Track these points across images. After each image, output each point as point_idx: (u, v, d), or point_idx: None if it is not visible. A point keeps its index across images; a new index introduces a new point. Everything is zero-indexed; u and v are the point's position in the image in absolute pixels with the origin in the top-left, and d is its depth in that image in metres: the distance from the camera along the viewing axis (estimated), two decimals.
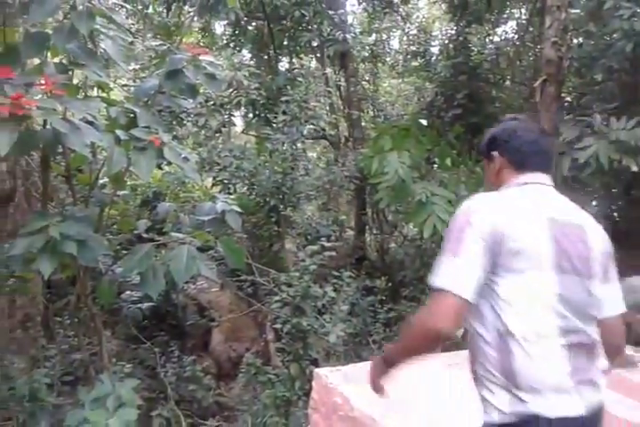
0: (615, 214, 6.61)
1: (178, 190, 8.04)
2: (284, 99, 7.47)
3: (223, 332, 7.36)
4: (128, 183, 7.25)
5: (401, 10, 11.65)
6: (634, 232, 6.02)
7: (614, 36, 5.48)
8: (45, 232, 2.50)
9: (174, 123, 7.35)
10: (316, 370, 3.22)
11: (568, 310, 1.41)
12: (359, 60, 11.26)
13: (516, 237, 1.41)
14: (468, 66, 9.26)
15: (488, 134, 1.76)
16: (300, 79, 8.21)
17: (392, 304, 6.89)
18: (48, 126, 2.47)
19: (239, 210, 3.43)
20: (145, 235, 4.78)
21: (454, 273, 1.41)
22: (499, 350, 1.41)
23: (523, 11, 10.74)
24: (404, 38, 12.33)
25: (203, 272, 2.92)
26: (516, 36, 10.41)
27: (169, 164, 5.54)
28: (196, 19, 9.59)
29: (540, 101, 5.76)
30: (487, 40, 10.78)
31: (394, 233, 9.72)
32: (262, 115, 8.66)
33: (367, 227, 9.89)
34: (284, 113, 7.36)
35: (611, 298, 1.57)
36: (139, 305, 5.99)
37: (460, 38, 9.56)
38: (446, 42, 10.42)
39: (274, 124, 7.53)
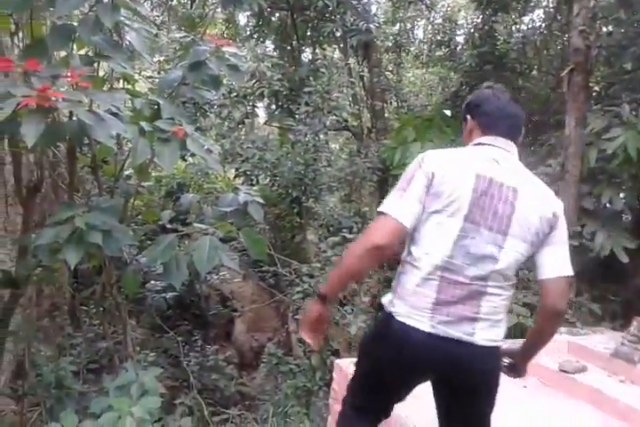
0: None
1: (201, 181, 8.10)
2: (306, 90, 7.44)
3: (245, 322, 7.43)
4: (153, 175, 7.34)
5: None
6: None
7: None
8: (71, 222, 2.53)
9: (198, 114, 7.39)
10: (337, 361, 3.24)
11: (460, 254, 1.67)
12: (382, 50, 11.16)
13: (441, 182, 1.67)
14: (493, 55, 9.12)
15: (466, 100, 1.99)
16: (322, 70, 8.16)
17: None
18: (74, 118, 2.50)
19: (261, 201, 3.43)
20: (169, 225, 4.84)
21: (397, 203, 1.70)
22: (402, 265, 1.80)
23: None
24: (429, 27, 12.18)
25: (225, 263, 2.93)
26: (544, 25, 10.18)
27: (193, 155, 5.59)
28: (219, 10, 9.61)
29: (567, 91, 5.65)
30: (514, 29, 10.57)
31: None
32: (285, 106, 8.65)
33: None
34: (307, 104, 7.34)
35: (550, 261, 1.73)
36: (163, 295, 6.07)
37: (486, 27, 9.39)
38: (472, 31, 10.26)
39: (296, 116, 7.52)
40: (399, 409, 2.56)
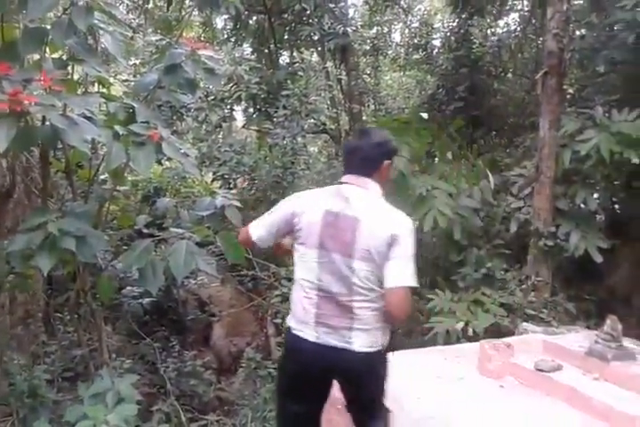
0: (616, 206, 6.60)
1: (179, 186, 8.04)
2: (284, 93, 7.44)
3: (224, 326, 7.37)
4: (129, 179, 7.25)
5: (402, 2, 11.59)
6: (634, 224, 6.01)
7: (616, 27, 5.43)
8: (44, 228, 2.50)
9: (174, 118, 7.34)
10: None
11: (324, 274, 2.02)
12: (360, 53, 11.21)
13: (300, 219, 2.08)
14: (469, 59, 9.22)
15: None
16: (300, 73, 8.18)
17: None
18: (47, 122, 2.47)
19: (239, 205, 3.42)
20: (145, 230, 4.78)
21: (260, 223, 2.22)
22: (293, 288, 2.18)
23: (525, 2, 10.65)
24: (406, 31, 12.27)
25: (201, 267, 2.92)
26: (518, 29, 10.33)
27: (169, 159, 5.54)
28: (196, 13, 9.57)
29: (541, 94, 5.74)
30: (489, 32, 10.71)
31: None
32: (263, 109, 8.63)
33: None
34: (285, 107, 7.34)
35: (391, 273, 1.97)
36: (139, 301, 6.00)
37: (462, 31, 9.50)
38: (448, 34, 10.36)
39: (274, 119, 7.51)
40: None
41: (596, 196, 5.84)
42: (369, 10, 11.52)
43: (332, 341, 2.01)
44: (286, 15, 9.11)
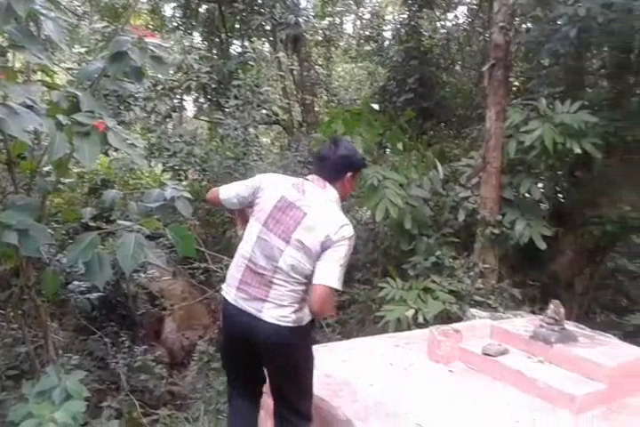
0: (560, 195, 6.82)
1: (127, 177, 7.85)
2: (235, 83, 7.36)
3: (176, 320, 7.28)
4: (75, 170, 7.03)
5: None
6: (577, 212, 6.23)
7: (559, 21, 5.58)
8: None
9: (121, 108, 7.14)
10: None
11: (258, 250, 2.24)
12: (312, 44, 11.19)
13: (262, 195, 2.32)
14: (419, 51, 9.34)
15: None
16: (251, 63, 8.09)
17: (345, 288, 6.93)
18: None
19: (190, 196, 3.36)
20: (92, 223, 4.66)
21: (230, 186, 2.47)
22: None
23: None
24: (358, 23, 12.32)
25: (151, 260, 2.85)
26: (466, 22, 10.52)
27: (117, 150, 5.40)
28: (144, 0, 9.32)
29: (488, 86, 5.84)
30: (438, 25, 10.87)
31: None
32: (214, 99, 8.53)
33: None
34: (236, 97, 7.26)
35: (318, 272, 2.15)
36: (87, 295, 5.85)
37: (412, 23, 9.60)
38: (398, 26, 10.45)
39: (225, 109, 7.42)
40: (330, 399, 2.60)
41: (540, 185, 6.02)
42: (321, 0, 11.49)
43: (247, 307, 2.23)
44: (237, 4, 8.97)
